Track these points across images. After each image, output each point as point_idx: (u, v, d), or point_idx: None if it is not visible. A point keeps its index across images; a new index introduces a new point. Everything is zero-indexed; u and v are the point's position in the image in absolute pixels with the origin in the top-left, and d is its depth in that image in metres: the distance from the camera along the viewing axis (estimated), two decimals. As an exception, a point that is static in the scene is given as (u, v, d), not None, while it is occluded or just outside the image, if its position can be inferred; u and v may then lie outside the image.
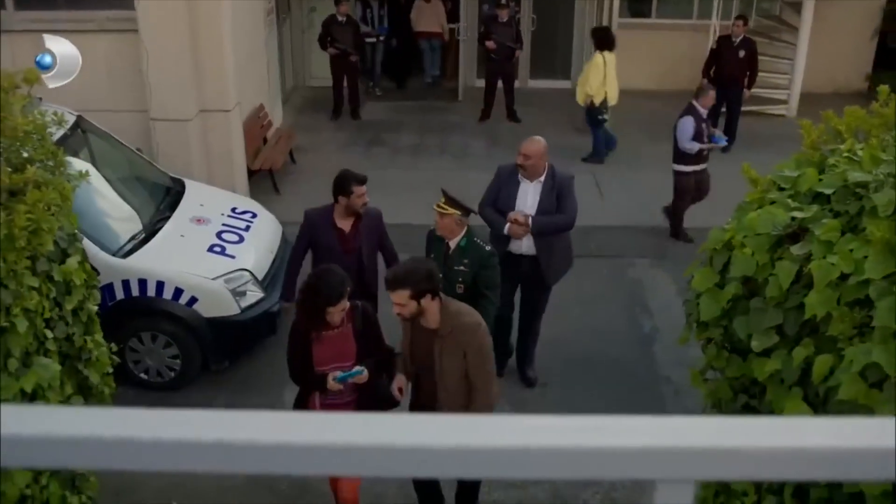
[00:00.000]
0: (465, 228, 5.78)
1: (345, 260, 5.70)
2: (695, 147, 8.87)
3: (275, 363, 6.99)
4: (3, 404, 0.81)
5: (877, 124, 4.27)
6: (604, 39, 11.34)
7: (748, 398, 4.28)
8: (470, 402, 4.83)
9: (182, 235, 6.80)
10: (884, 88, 4.28)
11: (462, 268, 5.67)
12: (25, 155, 4.21)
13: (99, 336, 4.67)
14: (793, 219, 3.93)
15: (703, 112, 8.96)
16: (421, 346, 4.88)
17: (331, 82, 12.87)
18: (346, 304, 4.69)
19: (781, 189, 4.30)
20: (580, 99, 11.45)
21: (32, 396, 3.89)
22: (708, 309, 4.15)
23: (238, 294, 6.54)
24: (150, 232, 6.71)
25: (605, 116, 11.32)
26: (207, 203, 7.31)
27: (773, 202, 4.24)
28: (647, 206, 10.19)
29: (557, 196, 6.22)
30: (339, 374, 4.74)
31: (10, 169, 3.99)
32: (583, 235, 9.43)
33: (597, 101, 11.23)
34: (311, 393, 5.02)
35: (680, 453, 0.80)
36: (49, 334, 4.06)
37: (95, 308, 4.63)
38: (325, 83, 13.45)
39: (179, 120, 8.32)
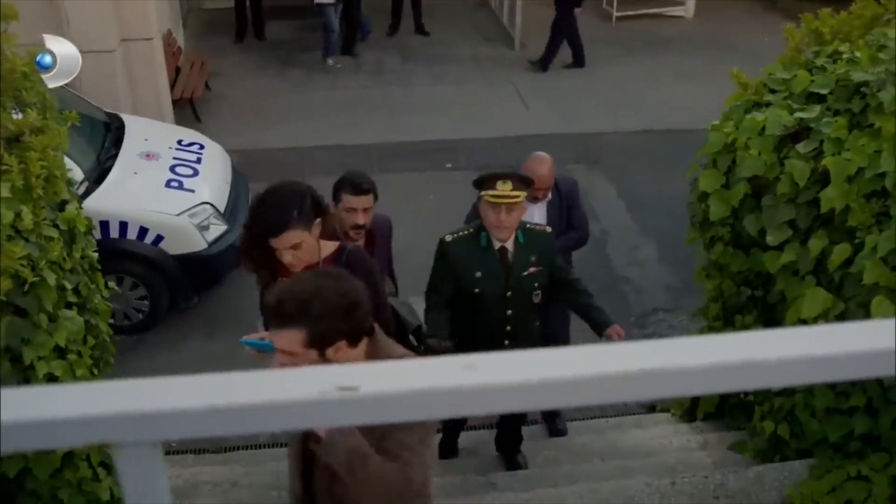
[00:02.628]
0: None
1: None
2: None
3: (243, 295, 6.92)
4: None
5: (857, 25, 4.51)
6: None
7: (752, 290, 4.56)
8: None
9: (135, 173, 6.56)
10: (863, -10, 4.51)
11: (533, 269, 4.13)
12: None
13: (101, 283, 4.54)
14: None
15: None
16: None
17: (229, 3, 12.39)
18: (299, 238, 3.21)
19: (773, 91, 4.51)
20: None
21: (62, 352, 3.79)
22: (717, 209, 4.36)
23: (202, 228, 6.40)
24: (101, 171, 6.44)
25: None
26: (152, 137, 7.04)
27: (766, 104, 4.45)
28: (569, 112, 10.38)
29: (567, 206, 5.07)
30: (249, 336, 3.19)
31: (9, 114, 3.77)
32: (515, 144, 9.59)
33: None
34: None
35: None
36: (68, 285, 3.92)
37: (96, 255, 4.48)
38: (221, 4, 12.96)
39: (102, 51, 7.89)
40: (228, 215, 6.67)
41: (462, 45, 12.33)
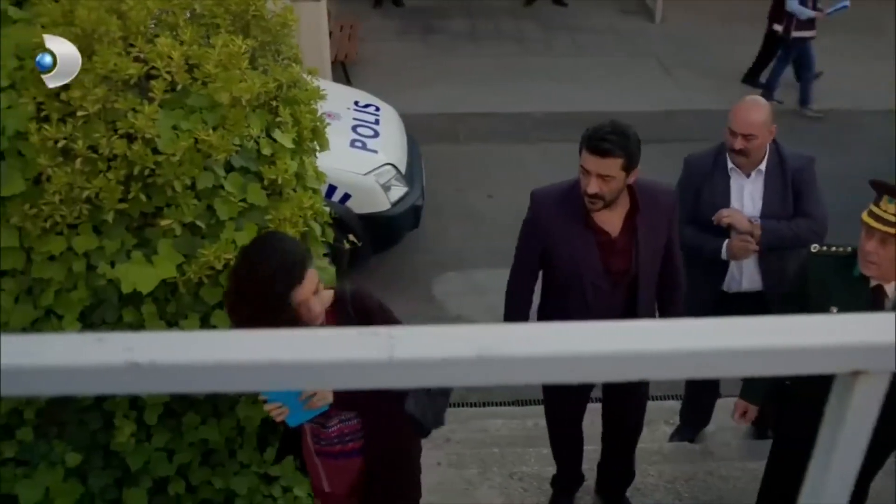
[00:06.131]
0: None
1: (608, 295, 3.48)
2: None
3: (417, 257, 7.05)
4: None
5: None
6: None
7: None
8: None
9: (321, 131, 6.68)
10: None
11: None
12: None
13: (330, 236, 4.67)
14: None
15: None
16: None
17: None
18: (317, 276, 2.67)
19: None
20: None
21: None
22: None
23: (385, 189, 6.51)
24: (288, 129, 6.58)
25: None
26: (330, 97, 7.08)
27: None
28: (718, 89, 10.21)
29: (795, 191, 4.03)
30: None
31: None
32: (666, 119, 9.50)
33: None
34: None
35: None
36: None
37: (327, 210, 4.60)
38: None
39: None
40: (408, 177, 6.77)
41: (600, 17, 12.22)
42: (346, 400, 2.66)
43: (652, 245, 3.46)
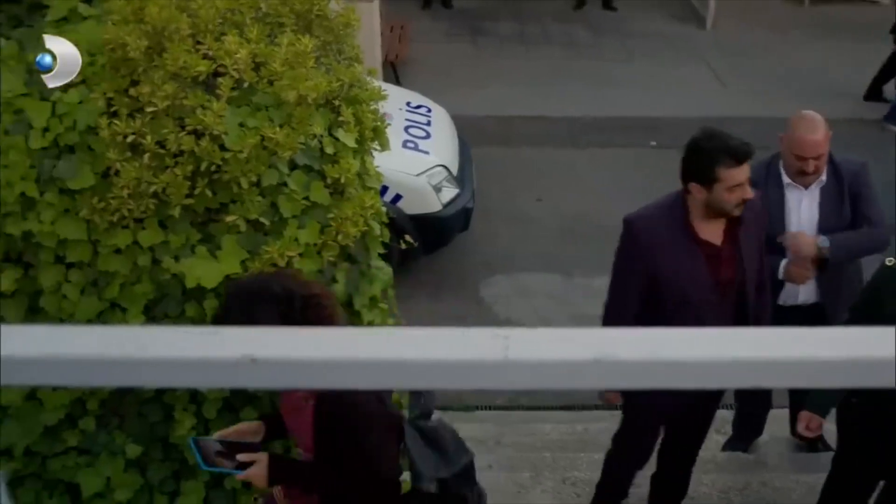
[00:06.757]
0: None
1: (717, 307, 3.44)
2: None
3: (466, 258, 7.05)
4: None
5: None
6: None
7: None
8: None
9: (373, 132, 6.71)
10: None
11: None
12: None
13: (386, 236, 4.68)
14: None
15: None
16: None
17: (417, -31, 12.53)
18: None
19: None
20: None
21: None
22: None
23: (437, 190, 6.52)
24: (341, 129, 6.61)
25: None
26: (382, 98, 7.18)
27: None
28: (770, 96, 10.08)
29: (853, 196, 3.93)
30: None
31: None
32: (716, 126, 9.37)
33: None
34: None
35: None
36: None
37: (384, 210, 4.61)
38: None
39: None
40: (458, 179, 6.77)
41: (650, 22, 12.12)
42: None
43: (752, 251, 3.48)
